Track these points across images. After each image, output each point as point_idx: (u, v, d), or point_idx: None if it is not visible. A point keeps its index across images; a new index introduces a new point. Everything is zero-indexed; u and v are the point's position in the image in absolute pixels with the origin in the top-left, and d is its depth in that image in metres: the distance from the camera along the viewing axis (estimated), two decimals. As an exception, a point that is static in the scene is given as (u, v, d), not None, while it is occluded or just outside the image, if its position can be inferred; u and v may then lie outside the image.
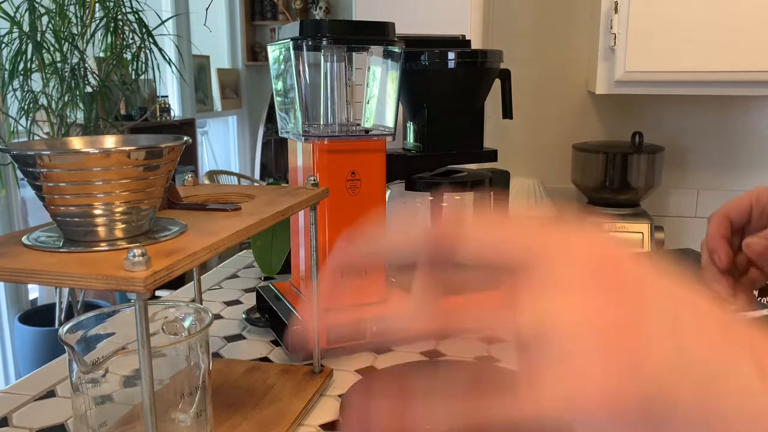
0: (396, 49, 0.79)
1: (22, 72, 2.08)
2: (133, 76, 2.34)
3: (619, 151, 1.46)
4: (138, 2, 2.32)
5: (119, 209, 0.45)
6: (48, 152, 0.44)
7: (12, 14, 2.06)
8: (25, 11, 2.06)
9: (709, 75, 1.28)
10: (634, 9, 1.27)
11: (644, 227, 1.40)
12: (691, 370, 0.24)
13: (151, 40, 2.32)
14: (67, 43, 2.13)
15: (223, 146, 4.73)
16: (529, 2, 1.61)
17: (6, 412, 0.67)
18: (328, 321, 0.34)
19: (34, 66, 2.10)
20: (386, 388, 0.31)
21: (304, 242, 0.83)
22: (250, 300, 1.01)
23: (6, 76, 2.07)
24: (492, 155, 0.94)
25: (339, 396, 0.69)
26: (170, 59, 2.52)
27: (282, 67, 0.82)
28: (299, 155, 0.82)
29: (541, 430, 0.24)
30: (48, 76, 2.11)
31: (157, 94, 3.28)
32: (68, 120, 2.20)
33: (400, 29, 0.81)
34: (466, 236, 0.28)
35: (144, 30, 2.31)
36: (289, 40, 0.76)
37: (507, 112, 1.02)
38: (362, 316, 0.31)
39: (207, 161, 4.51)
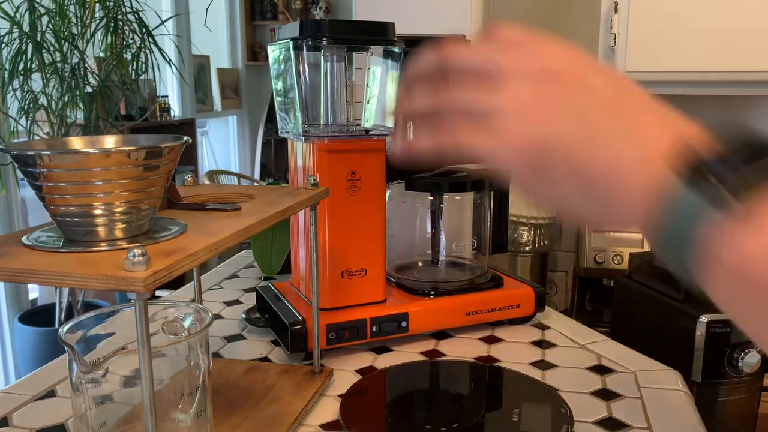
0: (396, 49, 0.79)
1: (22, 72, 2.08)
2: (133, 76, 2.34)
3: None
4: (138, 2, 2.31)
5: (119, 209, 0.45)
6: (48, 152, 0.44)
7: (12, 14, 2.06)
8: (25, 11, 2.06)
9: (709, 75, 1.28)
10: (634, 9, 1.27)
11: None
12: (587, 129, 0.31)
13: (151, 40, 2.32)
14: (67, 43, 2.13)
15: (223, 146, 4.73)
16: (529, 2, 1.61)
17: (6, 412, 0.67)
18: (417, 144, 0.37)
19: (34, 66, 2.10)
20: None
21: (304, 242, 0.83)
22: (250, 300, 1.01)
23: (6, 76, 2.07)
24: (492, 155, 0.93)
25: (339, 396, 0.69)
26: (170, 59, 2.52)
27: (282, 67, 0.82)
28: (299, 155, 0.82)
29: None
30: (48, 76, 2.11)
31: (157, 94, 3.27)
32: (68, 120, 2.20)
33: (400, 29, 0.81)
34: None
35: (144, 30, 2.30)
36: (289, 40, 0.76)
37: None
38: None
39: (207, 161, 4.51)
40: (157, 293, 0.96)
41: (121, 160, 0.43)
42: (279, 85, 0.84)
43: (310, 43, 0.76)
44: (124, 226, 0.45)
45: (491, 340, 0.86)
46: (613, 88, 0.33)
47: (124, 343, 0.50)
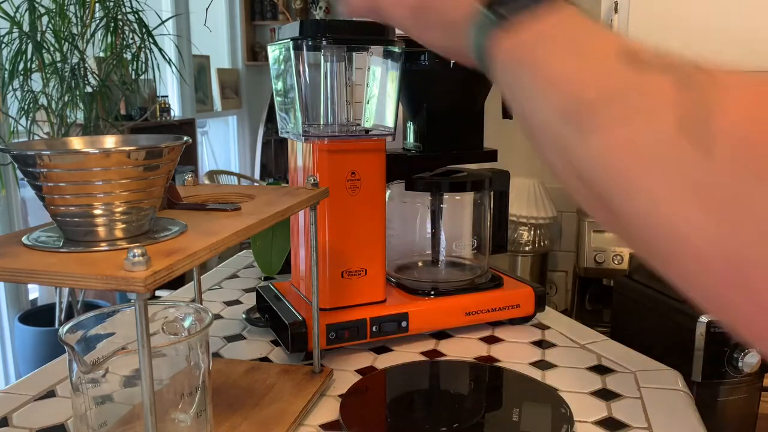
0: (396, 49, 0.79)
1: (22, 72, 2.08)
2: (133, 76, 2.34)
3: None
4: (138, 2, 2.31)
5: (119, 209, 0.45)
6: (48, 152, 0.44)
7: (12, 14, 2.06)
8: (25, 11, 2.06)
9: (709, 75, 1.28)
10: (634, 9, 1.27)
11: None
12: None
13: (151, 40, 2.32)
14: (67, 43, 2.13)
15: (223, 146, 4.73)
16: (529, 2, 1.60)
17: (6, 412, 0.67)
18: None
19: (34, 66, 2.10)
20: None
21: (304, 242, 0.83)
22: (250, 300, 1.01)
23: (6, 76, 2.07)
24: (492, 155, 0.94)
25: (339, 396, 0.69)
26: (170, 59, 2.52)
27: (282, 67, 0.82)
28: (299, 155, 0.83)
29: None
30: (48, 76, 2.11)
31: (157, 94, 3.27)
32: (68, 120, 2.20)
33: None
34: None
35: (144, 30, 2.30)
36: (289, 40, 0.76)
37: (507, 112, 1.02)
38: None
39: (207, 161, 4.51)
40: (157, 293, 0.96)
41: (121, 160, 0.43)
42: (279, 85, 0.84)
43: (310, 43, 0.76)
44: (124, 226, 0.45)
45: (491, 340, 0.86)
46: None
47: (124, 343, 0.51)
